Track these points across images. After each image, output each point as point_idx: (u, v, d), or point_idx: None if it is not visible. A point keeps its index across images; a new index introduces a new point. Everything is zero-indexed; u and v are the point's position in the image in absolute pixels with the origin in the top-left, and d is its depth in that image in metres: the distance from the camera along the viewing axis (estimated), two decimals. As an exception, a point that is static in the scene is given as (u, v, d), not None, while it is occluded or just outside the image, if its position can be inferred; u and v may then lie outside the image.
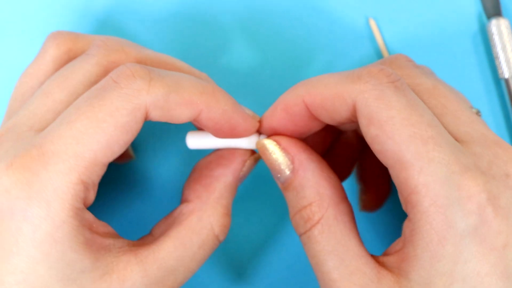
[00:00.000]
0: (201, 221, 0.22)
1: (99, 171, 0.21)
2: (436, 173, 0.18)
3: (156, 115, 0.21)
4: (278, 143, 0.22)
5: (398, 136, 0.18)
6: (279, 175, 0.22)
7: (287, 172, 0.22)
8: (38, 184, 0.19)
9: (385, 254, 0.21)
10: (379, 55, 0.31)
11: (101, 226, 0.21)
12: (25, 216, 0.19)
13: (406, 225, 0.19)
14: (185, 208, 0.23)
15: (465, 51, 0.31)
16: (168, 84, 0.21)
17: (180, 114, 0.22)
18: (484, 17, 0.31)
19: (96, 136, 0.20)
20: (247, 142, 0.24)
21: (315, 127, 0.23)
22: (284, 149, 0.22)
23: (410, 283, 0.19)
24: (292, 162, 0.22)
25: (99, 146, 0.20)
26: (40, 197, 0.19)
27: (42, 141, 0.20)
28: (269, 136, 0.23)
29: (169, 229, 0.22)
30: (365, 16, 0.31)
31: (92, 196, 0.21)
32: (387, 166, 0.19)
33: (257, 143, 0.23)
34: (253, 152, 0.24)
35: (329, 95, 0.20)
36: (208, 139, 0.24)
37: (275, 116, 0.22)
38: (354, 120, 0.21)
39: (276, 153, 0.22)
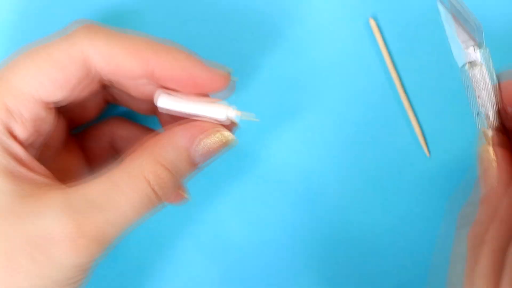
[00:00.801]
0: (133, 163, 0.21)
1: (27, 102, 0.21)
2: None
3: (100, 62, 0.21)
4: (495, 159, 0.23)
5: None
6: (483, 186, 0.23)
7: (487, 186, 0.22)
8: None
9: None
10: (379, 55, 0.31)
11: (36, 165, 0.21)
12: None
13: None
14: (125, 153, 0.23)
15: (465, 51, 0.31)
16: (110, 33, 0.22)
17: (125, 63, 0.22)
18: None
19: (26, 65, 0.21)
20: (220, 111, 0.22)
21: None
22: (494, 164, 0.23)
23: None
24: (492, 181, 0.23)
25: (27, 74, 0.21)
26: None
27: None
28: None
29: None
30: (365, 16, 0.31)
31: (21, 129, 0.21)
32: None
33: (480, 149, 0.23)
34: (221, 128, 0.23)
35: None
36: (180, 100, 0.23)
37: None
38: None
39: (489, 166, 0.23)
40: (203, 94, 0.24)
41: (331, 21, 0.31)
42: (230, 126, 0.24)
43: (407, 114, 0.30)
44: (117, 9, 0.30)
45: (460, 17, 0.23)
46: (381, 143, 0.30)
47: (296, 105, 0.31)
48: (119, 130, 0.28)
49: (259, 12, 0.31)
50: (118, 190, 0.21)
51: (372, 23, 0.31)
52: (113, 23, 0.30)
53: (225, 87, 0.23)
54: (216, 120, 0.23)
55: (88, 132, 0.28)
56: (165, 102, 0.23)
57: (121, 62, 0.22)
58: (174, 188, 0.22)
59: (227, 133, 0.23)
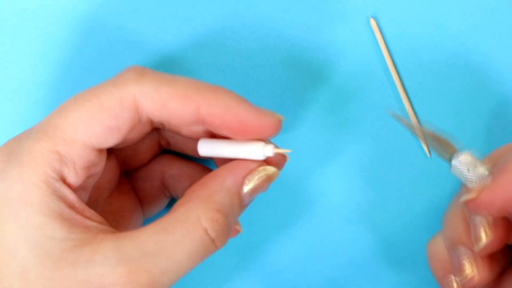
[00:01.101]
0: (188, 211, 0.21)
1: (79, 149, 0.21)
2: None
3: (151, 108, 0.21)
4: None
5: None
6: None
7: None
8: (18, 149, 0.21)
9: None
10: (380, 55, 0.31)
11: (88, 211, 0.21)
12: (2, 177, 0.20)
13: None
14: (177, 202, 0.22)
15: (466, 50, 0.31)
16: (160, 77, 0.22)
17: (176, 109, 0.21)
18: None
19: (77, 112, 0.21)
20: (257, 151, 0.23)
21: None
22: None
23: None
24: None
25: (79, 121, 0.21)
26: (16, 159, 0.20)
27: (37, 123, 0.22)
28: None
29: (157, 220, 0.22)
30: (365, 16, 0.31)
31: (73, 176, 0.21)
32: None
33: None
34: (264, 165, 0.23)
35: None
36: (220, 145, 0.23)
37: None
38: None
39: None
40: (257, 139, 0.23)
41: (331, 21, 0.31)
42: (279, 160, 0.24)
43: (407, 114, 0.30)
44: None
45: (424, 134, 0.23)
46: (381, 143, 0.30)
47: (296, 105, 0.31)
48: (170, 169, 0.27)
49: (259, 12, 0.31)
50: (172, 239, 0.20)
51: (372, 23, 0.31)
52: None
53: (276, 133, 0.23)
54: (255, 159, 0.23)
55: (139, 172, 0.27)
56: (205, 150, 0.24)
57: (172, 107, 0.21)
58: (229, 232, 0.22)
59: (270, 169, 0.23)
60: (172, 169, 0.27)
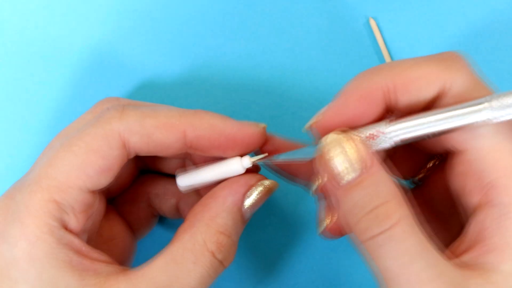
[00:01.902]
0: (193, 237, 0.21)
1: (76, 195, 0.21)
2: None
3: (137, 143, 0.21)
4: (350, 138, 0.20)
5: None
6: (348, 173, 0.19)
7: (358, 169, 0.19)
8: (14, 206, 0.20)
9: (453, 254, 0.19)
10: (379, 55, 0.31)
11: (94, 253, 0.21)
12: (3, 238, 0.20)
13: (485, 215, 0.18)
14: (180, 227, 0.22)
15: (466, 50, 0.31)
16: (142, 111, 0.22)
17: (162, 138, 0.22)
18: (484, 17, 0.31)
19: (67, 158, 0.21)
20: (235, 166, 0.23)
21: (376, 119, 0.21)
22: (355, 145, 0.20)
23: (503, 275, 0.17)
24: (363, 159, 0.19)
25: (71, 167, 0.21)
26: (14, 217, 0.20)
27: (25, 175, 0.21)
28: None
29: (163, 249, 0.22)
30: (365, 16, 0.31)
31: (74, 221, 0.21)
32: (464, 150, 0.19)
33: (327, 137, 0.20)
34: (262, 178, 0.23)
35: (415, 77, 0.19)
36: (198, 174, 0.23)
37: (349, 107, 0.20)
38: (430, 106, 0.20)
39: (351, 147, 0.19)
40: (246, 153, 0.23)
41: (331, 21, 0.31)
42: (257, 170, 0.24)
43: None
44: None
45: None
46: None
47: (295, 105, 0.31)
48: (154, 189, 0.27)
49: (259, 12, 0.31)
50: (183, 268, 0.20)
51: (372, 23, 0.31)
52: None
53: (263, 140, 0.23)
54: (236, 174, 0.23)
55: (123, 197, 0.27)
56: (185, 184, 0.24)
57: (158, 139, 0.22)
58: (235, 250, 0.22)
59: (268, 182, 0.23)
60: (156, 189, 0.27)
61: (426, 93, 0.19)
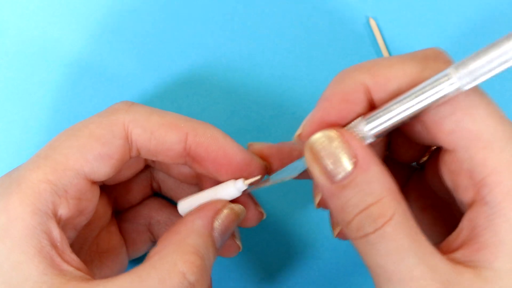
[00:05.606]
0: (162, 258, 0.20)
1: (71, 178, 0.20)
2: None
3: (140, 135, 0.22)
4: (341, 134, 0.19)
5: (478, 115, 0.18)
6: (337, 172, 0.19)
7: (350, 166, 0.18)
8: (8, 182, 0.20)
9: (446, 250, 0.19)
10: (379, 55, 0.31)
11: (68, 254, 0.20)
12: None
13: (477, 213, 0.18)
14: (151, 250, 0.21)
15: (465, 50, 0.31)
16: (150, 108, 0.22)
17: (165, 136, 0.22)
18: (484, 17, 0.31)
19: (68, 142, 0.21)
20: (230, 188, 0.23)
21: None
22: (346, 141, 0.19)
23: (495, 272, 0.17)
24: (355, 155, 0.18)
25: (70, 150, 0.21)
26: (4, 191, 0.20)
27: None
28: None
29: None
30: (365, 16, 0.31)
31: (64, 206, 0.20)
32: (454, 149, 0.18)
33: (315, 136, 0.19)
34: (229, 203, 0.23)
35: (394, 76, 0.19)
36: (197, 198, 0.23)
37: (332, 113, 0.20)
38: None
39: (339, 144, 0.19)
40: (240, 177, 0.23)
41: (331, 21, 0.31)
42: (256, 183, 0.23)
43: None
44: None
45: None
46: (381, 142, 0.30)
47: (295, 105, 0.31)
48: (158, 215, 0.27)
49: (259, 12, 0.31)
50: (146, 286, 0.19)
51: (372, 23, 0.31)
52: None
53: (259, 173, 0.23)
54: (233, 197, 0.23)
55: (127, 214, 0.27)
56: (185, 208, 0.24)
57: (160, 136, 0.22)
58: (208, 278, 0.21)
59: (236, 206, 0.23)
60: (160, 216, 0.27)
61: (402, 92, 0.19)
